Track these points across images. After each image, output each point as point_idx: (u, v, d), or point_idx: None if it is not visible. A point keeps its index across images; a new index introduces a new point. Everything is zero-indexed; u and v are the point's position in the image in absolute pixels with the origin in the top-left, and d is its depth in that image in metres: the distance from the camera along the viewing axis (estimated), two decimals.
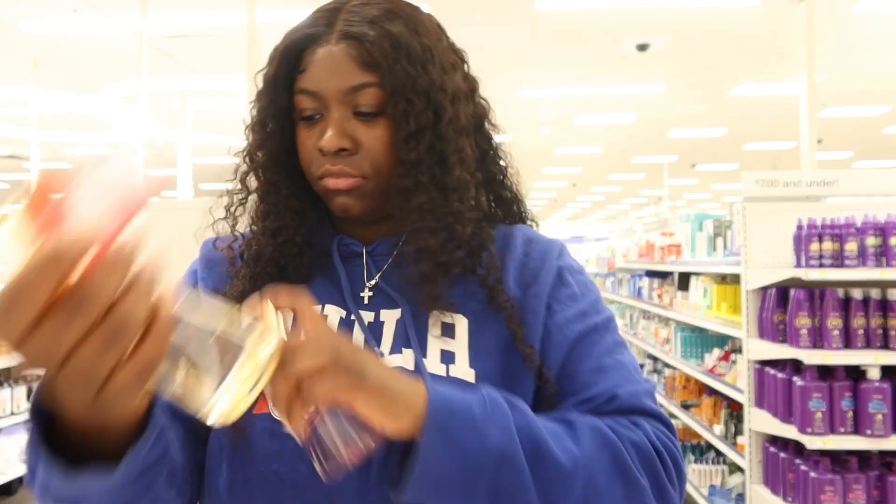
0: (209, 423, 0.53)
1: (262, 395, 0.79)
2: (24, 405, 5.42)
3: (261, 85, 0.86)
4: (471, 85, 0.91)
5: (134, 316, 0.44)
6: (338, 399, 0.61)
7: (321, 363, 0.60)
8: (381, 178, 0.83)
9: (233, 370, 0.52)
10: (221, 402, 0.52)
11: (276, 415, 0.78)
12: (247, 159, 0.89)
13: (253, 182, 0.89)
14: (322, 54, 0.81)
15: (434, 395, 0.66)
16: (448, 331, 0.82)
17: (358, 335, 0.82)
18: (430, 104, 0.81)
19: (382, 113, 0.81)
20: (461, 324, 0.82)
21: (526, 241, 0.91)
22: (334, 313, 0.84)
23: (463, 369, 0.80)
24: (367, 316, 0.84)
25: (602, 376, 0.81)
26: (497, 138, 0.95)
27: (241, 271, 0.86)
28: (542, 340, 0.84)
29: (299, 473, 0.75)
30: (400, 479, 0.67)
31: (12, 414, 5.29)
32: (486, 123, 0.93)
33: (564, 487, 0.68)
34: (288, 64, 0.84)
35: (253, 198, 0.90)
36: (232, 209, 0.90)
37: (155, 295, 0.46)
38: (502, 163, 0.96)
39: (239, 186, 0.90)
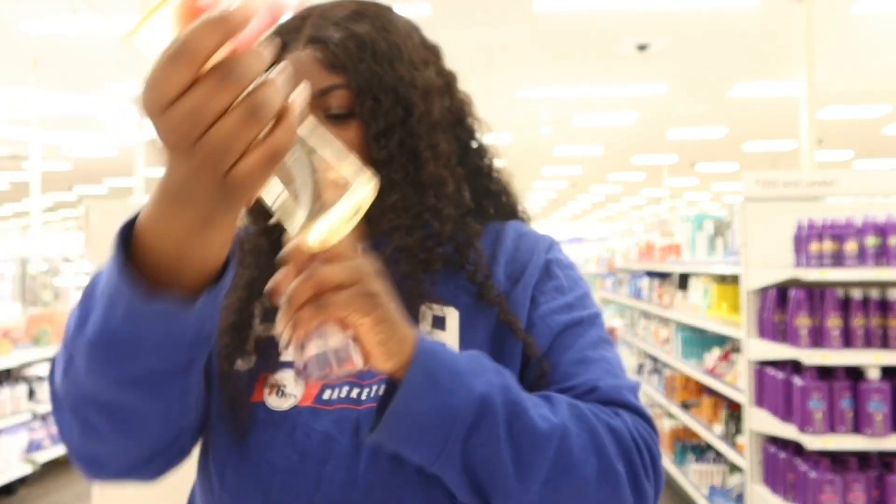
0: (308, 241, 0.56)
1: (257, 384, 0.78)
2: (24, 405, 5.42)
3: None
4: (446, 79, 0.90)
5: (273, 100, 0.46)
6: (348, 318, 0.62)
7: (349, 279, 0.61)
8: None
9: (341, 199, 0.54)
10: (321, 226, 0.55)
11: (270, 404, 0.79)
12: None
13: None
14: (290, 60, 0.82)
15: (423, 341, 0.67)
16: (439, 323, 0.82)
17: None
18: (398, 101, 0.81)
19: (353, 114, 0.81)
20: (452, 316, 0.82)
21: (517, 235, 0.91)
22: None
23: None
24: None
25: (584, 368, 0.80)
26: (489, 135, 0.95)
27: (244, 261, 0.87)
28: (526, 331, 0.83)
29: (290, 461, 0.77)
30: (379, 420, 0.67)
31: (12, 414, 5.29)
32: (466, 117, 0.92)
33: (537, 449, 0.68)
34: None
35: None
36: None
37: (287, 95, 0.48)
38: (488, 156, 0.95)
39: None
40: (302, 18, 0.84)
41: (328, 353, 0.62)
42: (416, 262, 0.82)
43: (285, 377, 0.81)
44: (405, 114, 0.82)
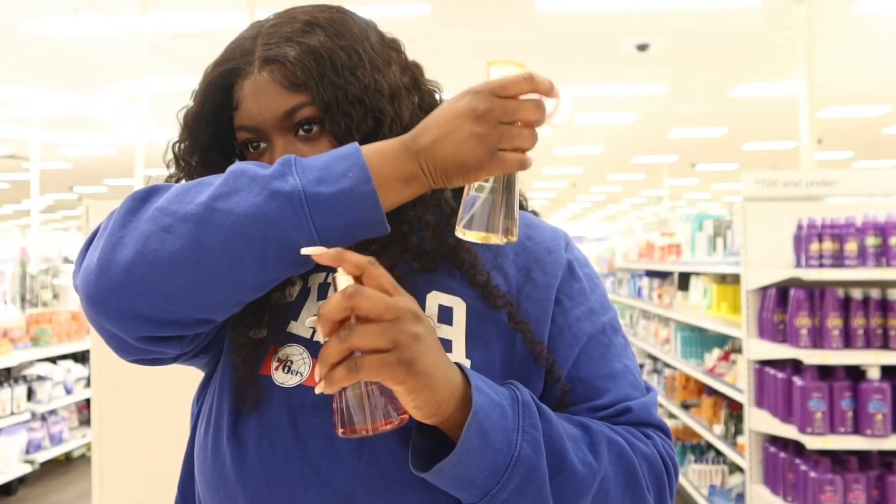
0: (461, 232, 0.73)
1: (266, 356, 0.81)
2: (24, 405, 5.42)
3: (181, 124, 0.86)
4: (412, 74, 0.88)
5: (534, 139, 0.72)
6: (382, 381, 0.64)
7: (380, 345, 0.62)
8: None
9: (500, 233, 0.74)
10: (476, 232, 0.73)
11: (277, 379, 0.79)
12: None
13: None
14: (248, 87, 0.80)
15: (476, 395, 0.69)
16: (445, 315, 0.81)
17: None
18: (368, 111, 0.80)
19: (322, 129, 0.81)
20: (459, 308, 0.82)
21: (526, 225, 0.90)
22: (339, 281, 0.83)
23: (459, 358, 0.79)
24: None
25: (613, 382, 0.83)
26: None
27: None
28: (550, 335, 0.83)
29: (291, 444, 0.76)
30: (419, 458, 0.72)
31: (12, 414, 5.29)
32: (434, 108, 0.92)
33: (576, 495, 0.73)
34: (213, 102, 0.83)
35: None
36: None
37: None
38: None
39: None
40: (251, 39, 0.82)
41: (366, 410, 0.64)
42: (404, 270, 0.81)
43: (292, 352, 0.80)
44: (376, 124, 0.80)
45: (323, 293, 0.83)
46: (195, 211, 0.68)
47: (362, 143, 0.79)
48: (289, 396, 0.78)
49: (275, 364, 0.80)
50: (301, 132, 0.81)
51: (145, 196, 0.72)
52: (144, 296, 0.69)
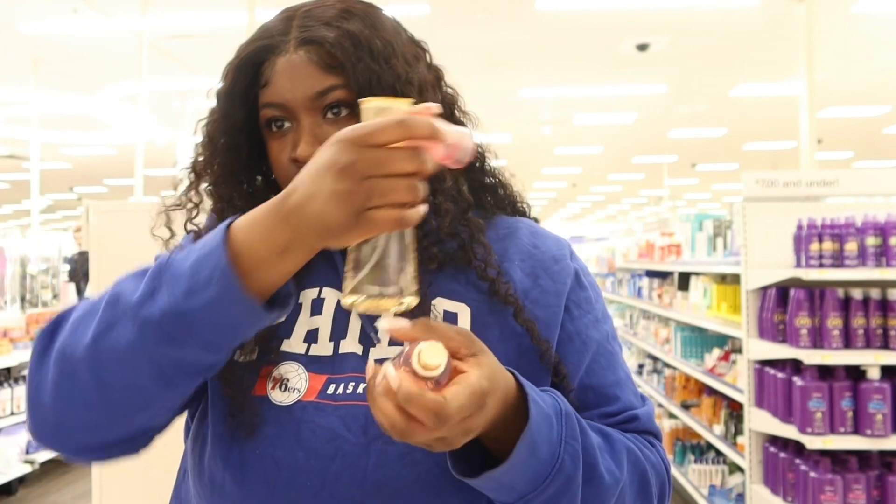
0: (347, 301, 0.66)
1: (259, 378, 0.79)
2: (24, 405, 5.41)
3: (214, 101, 0.85)
4: (436, 74, 0.89)
5: (422, 191, 0.62)
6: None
7: (427, 439, 0.63)
8: None
9: (395, 298, 0.65)
10: (369, 302, 0.65)
11: (274, 398, 0.79)
12: (197, 173, 0.87)
13: (195, 198, 0.88)
14: (283, 64, 0.80)
15: (534, 411, 0.70)
16: (450, 321, 0.81)
17: (355, 323, 0.82)
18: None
19: (352, 113, 0.80)
20: (464, 313, 0.82)
21: (531, 233, 0.91)
22: (332, 296, 0.83)
23: None
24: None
25: (620, 389, 0.87)
26: (494, 137, 0.94)
27: None
28: (560, 342, 0.85)
29: (295, 458, 0.76)
30: (464, 465, 0.72)
31: (12, 414, 5.29)
32: (455, 112, 0.91)
33: (602, 501, 0.76)
34: (245, 78, 0.82)
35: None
36: (185, 224, 0.88)
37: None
38: (479, 150, 0.94)
39: (184, 200, 0.88)
40: (286, 20, 0.82)
41: None
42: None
43: (288, 370, 0.80)
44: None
45: (317, 308, 0.83)
46: (85, 354, 0.67)
47: None
48: (288, 413, 0.78)
49: (270, 384, 0.79)
50: (329, 115, 0.80)
51: (51, 333, 0.73)
52: (79, 430, 0.71)
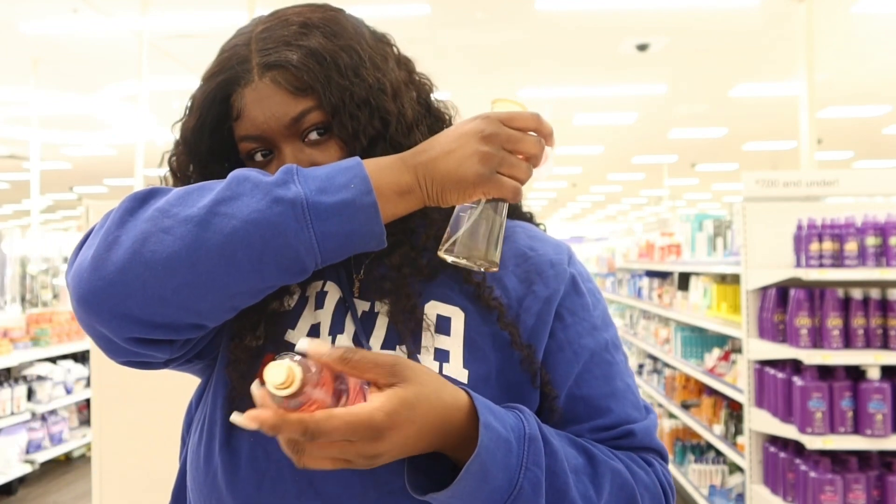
0: (443, 255, 0.74)
1: (262, 365, 0.79)
2: (24, 405, 5.42)
3: (178, 136, 0.84)
4: (406, 68, 0.88)
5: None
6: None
7: (337, 461, 0.63)
8: None
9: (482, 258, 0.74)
10: (467, 259, 0.74)
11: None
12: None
13: None
14: (250, 95, 0.78)
15: (484, 437, 0.67)
16: (443, 325, 0.80)
17: (350, 324, 0.81)
18: (374, 112, 0.79)
19: (331, 134, 0.79)
20: (458, 318, 0.81)
21: (529, 236, 0.89)
22: (334, 290, 0.83)
23: (456, 369, 0.78)
24: (362, 305, 0.82)
25: (614, 401, 0.83)
26: (455, 114, 0.92)
27: None
28: (550, 350, 0.83)
29: (281, 451, 0.74)
30: (417, 474, 0.71)
31: (12, 414, 5.29)
32: (431, 103, 0.89)
33: None
34: (212, 114, 0.81)
35: None
36: None
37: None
38: None
39: None
40: (244, 45, 0.80)
41: None
42: (412, 269, 0.80)
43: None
44: (383, 125, 0.80)
45: (320, 302, 0.82)
46: (196, 214, 0.67)
47: (370, 145, 0.79)
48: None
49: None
50: (308, 138, 0.79)
51: (145, 197, 0.72)
52: (136, 296, 0.68)
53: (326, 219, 0.68)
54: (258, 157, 0.82)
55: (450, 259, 0.73)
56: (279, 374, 0.58)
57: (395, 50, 0.87)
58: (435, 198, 0.72)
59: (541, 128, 0.73)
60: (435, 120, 0.88)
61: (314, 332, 0.81)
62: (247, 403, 0.76)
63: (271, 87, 0.78)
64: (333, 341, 0.80)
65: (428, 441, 0.67)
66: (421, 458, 0.73)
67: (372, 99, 0.79)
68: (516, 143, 0.71)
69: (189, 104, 0.83)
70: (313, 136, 0.79)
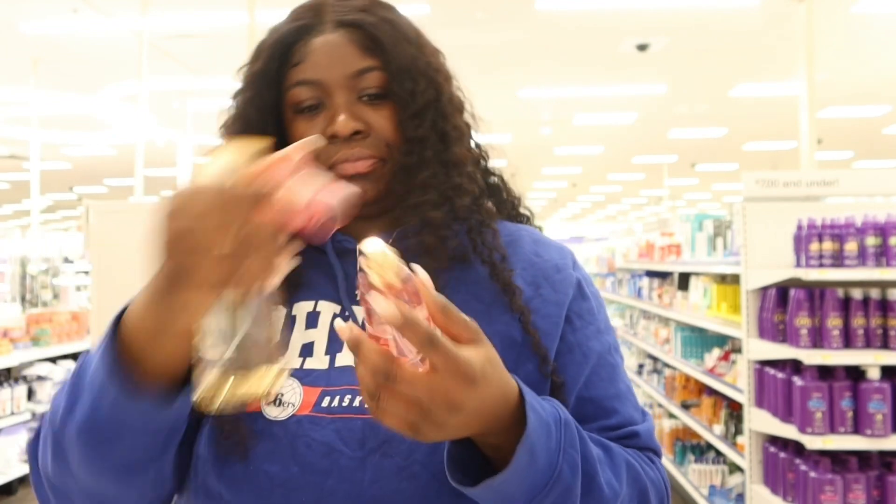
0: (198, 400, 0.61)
1: (264, 399, 0.78)
2: (24, 405, 5.42)
3: (242, 81, 0.86)
4: (448, 72, 0.93)
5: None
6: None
7: (405, 425, 0.60)
8: (393, 159, 0.83)
9: (272, 369, 0.61)
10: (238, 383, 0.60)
11: (268, 414, 0.77)
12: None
13: None
14: (320, 43, 0.82)
15: (532, 417, 0.66)
16: None
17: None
18: (430, 83, 0.84)
19: (386, 95, 0.83)
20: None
21: (534, 241, 0.90)
22: (328, 309, 0.83)
23: None
24: (363, 312, 0.82)
25: (619, 403, 0.85)
26: (488, 135, 0.95)
27: None
28: (560, 352, 0.83)
29: (290, 473, 0.74)
30: (462, 475, 0.69)
31: (12, 414, 5.29)
32: (464, 115, 0.92)
33: None
34: (278, 59, 0.83)
35: None
36: None
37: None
38: (484, 154, 0.95)
39: None
40: (316, 7, 0.85)
41: None
42: (437, 237, 0.82)
43: (283, 385, 0.78)
44: (436, 95, 0.85)
45: (312, 322, 0.82)
46: (67, 466, 0.71)
47: (422, 112, 0.83)
48: (283, 428, 0.76)
49: (264, 400, 0.77)
50: (365, 98, 0.83)
51: (34, 451, 0.76)
52: None
53: (118, 432, 0.68)
54: (305, 108, 0.83)
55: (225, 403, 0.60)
56: (391, 262, 0.57)
57: (443, 57, 0.93)
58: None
59: (231, 207, 0.57)
60: (465, 126, 0.92)
61: (307, 351, 0.81)
62: (241, 435, 0.77)
63: (344, 39, 0.82)
64: (332, 361, 0.80)
65: (492, 411, 0.64)
66: (457, 448, 0.71)
67: (429, 72, 0.85)
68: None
69: (256, 51, 0.86)
70: (366, 98, 0.83)
